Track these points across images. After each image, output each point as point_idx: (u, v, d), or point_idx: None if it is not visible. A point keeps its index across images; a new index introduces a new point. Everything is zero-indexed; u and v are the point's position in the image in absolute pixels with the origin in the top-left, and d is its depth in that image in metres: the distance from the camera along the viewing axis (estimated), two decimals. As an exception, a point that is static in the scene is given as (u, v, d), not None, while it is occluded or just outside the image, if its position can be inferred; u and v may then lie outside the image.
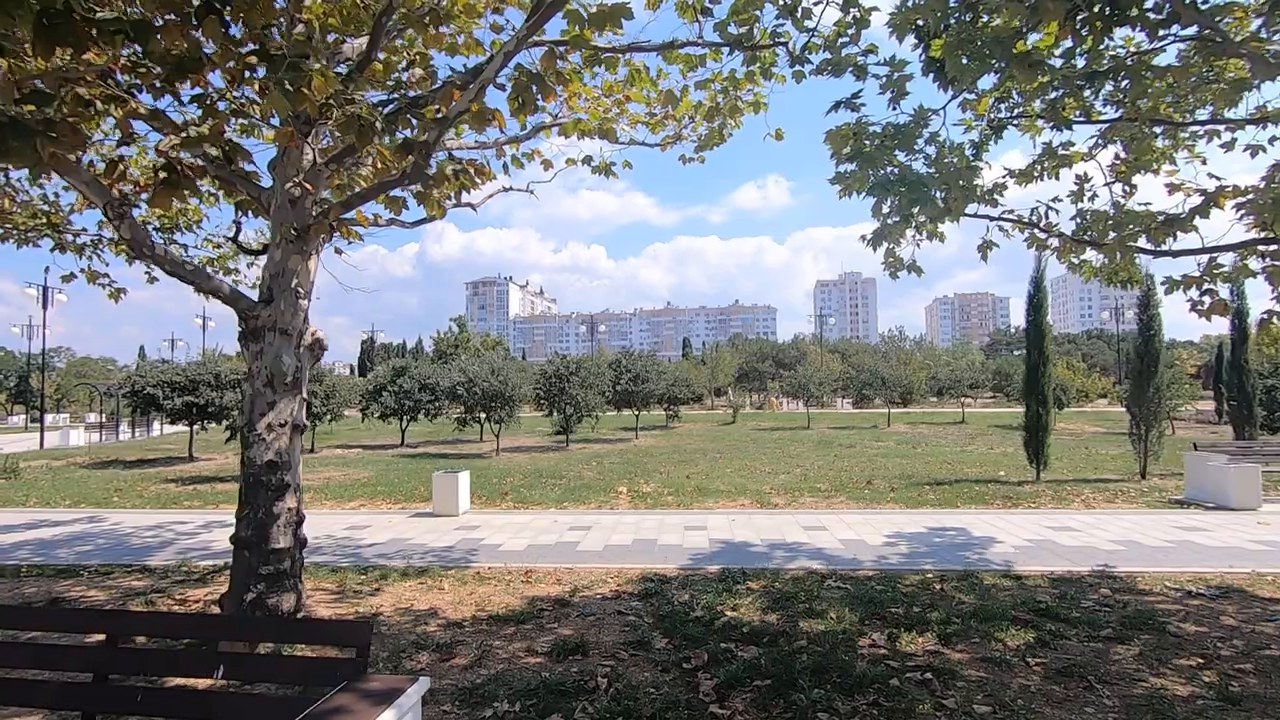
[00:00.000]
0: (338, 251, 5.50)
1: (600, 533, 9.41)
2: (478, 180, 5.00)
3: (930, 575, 7.00)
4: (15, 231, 9.17)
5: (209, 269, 10.71)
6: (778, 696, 4.08)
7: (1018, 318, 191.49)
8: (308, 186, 5.11)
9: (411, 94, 5.73)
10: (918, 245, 7.30)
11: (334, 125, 4.30)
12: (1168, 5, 4.44)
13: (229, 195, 5.60)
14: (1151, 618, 5.48)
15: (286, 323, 5.07)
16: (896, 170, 5.87)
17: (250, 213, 5.81)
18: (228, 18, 3.34)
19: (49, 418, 43.49)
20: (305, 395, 5.24)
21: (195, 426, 20.10)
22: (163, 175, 3.92)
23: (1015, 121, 6.99)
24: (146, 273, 10.29)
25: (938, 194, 5.60)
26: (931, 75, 6.28)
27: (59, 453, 24.17)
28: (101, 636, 2.66)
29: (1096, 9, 4.56)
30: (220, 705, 2.39)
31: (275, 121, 5.53)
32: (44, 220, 9.19)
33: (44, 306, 26.08)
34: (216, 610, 6.01)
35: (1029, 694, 4.13)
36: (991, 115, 6.96)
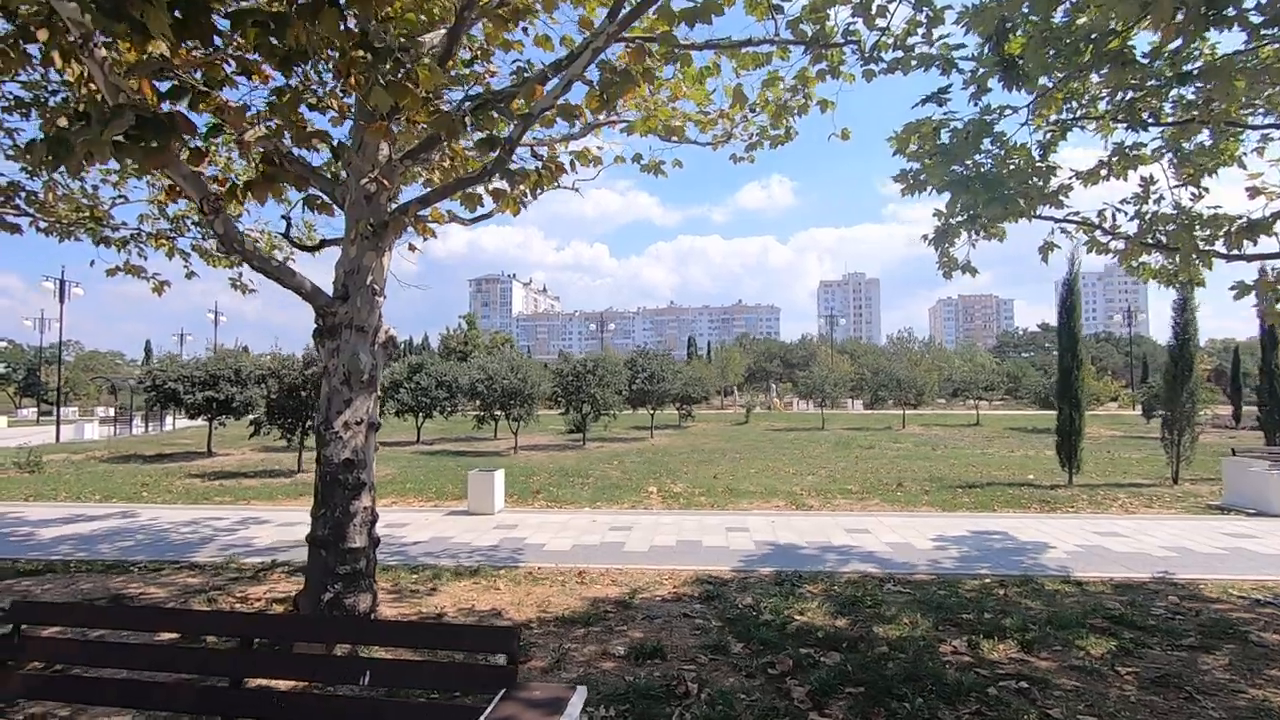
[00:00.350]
0: (411, 248, 5.45)
1: (642, 533, 9.35)
2: (557, 176, 4.94)
3: (990, 580, 6.93)
4: (59, 225, 9.13)
5: (248, 264, 10.73)
6: (877, 704, 4.02)
7: (1021, 320, 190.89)
8: (384, 182, 5.05)
9: (474, 90, 5.67)
10: (973, 245, 7.25)
11: (425, 119, 4.23)
12: (1274, 6, 4.36)
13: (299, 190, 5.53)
14: (1230, 627, 5.41)
15: (363, 320, 5.01)
16: (967, 167, 5.81)
17: (314, 209, 5.73)
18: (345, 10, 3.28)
19: (60, 411, 43.56)
20: (379, 393, 5.18)
21: (214, 421, 20.08)
22: (264, 168, 3.86)
23: (1080, 123, 6.92)
24: (185, 267, 10.28)
25: (1014, 192, 5.54)
26: (998, 75, 6.18)
27: (75, 446, 24.16)
28: (235, 640, 2.60)
29: (1196, 8, 4.49)
30: (369, 712, 2.33)
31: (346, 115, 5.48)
32: (87, 214, 9.16)
33: (61, 300, 26.04)
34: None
35: (1130, 704, 4.06)
36: (1053, 116, 6.88)
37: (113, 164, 11.43)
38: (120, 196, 9.47)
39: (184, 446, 23.07)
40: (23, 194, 8.91)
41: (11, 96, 8.56)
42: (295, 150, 5.37)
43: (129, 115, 2.75)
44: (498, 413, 22.01)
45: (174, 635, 4.81)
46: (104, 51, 3.55)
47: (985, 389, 33.61)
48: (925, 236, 7.14)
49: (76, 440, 26.36)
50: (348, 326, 4.96)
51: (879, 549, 8.43)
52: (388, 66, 3.74)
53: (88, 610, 2.78)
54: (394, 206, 5.21)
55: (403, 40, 3.77)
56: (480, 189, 5.20)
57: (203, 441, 23.65)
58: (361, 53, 3.63)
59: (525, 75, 5.01)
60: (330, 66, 3.67)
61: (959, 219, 6.82)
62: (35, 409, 46.77)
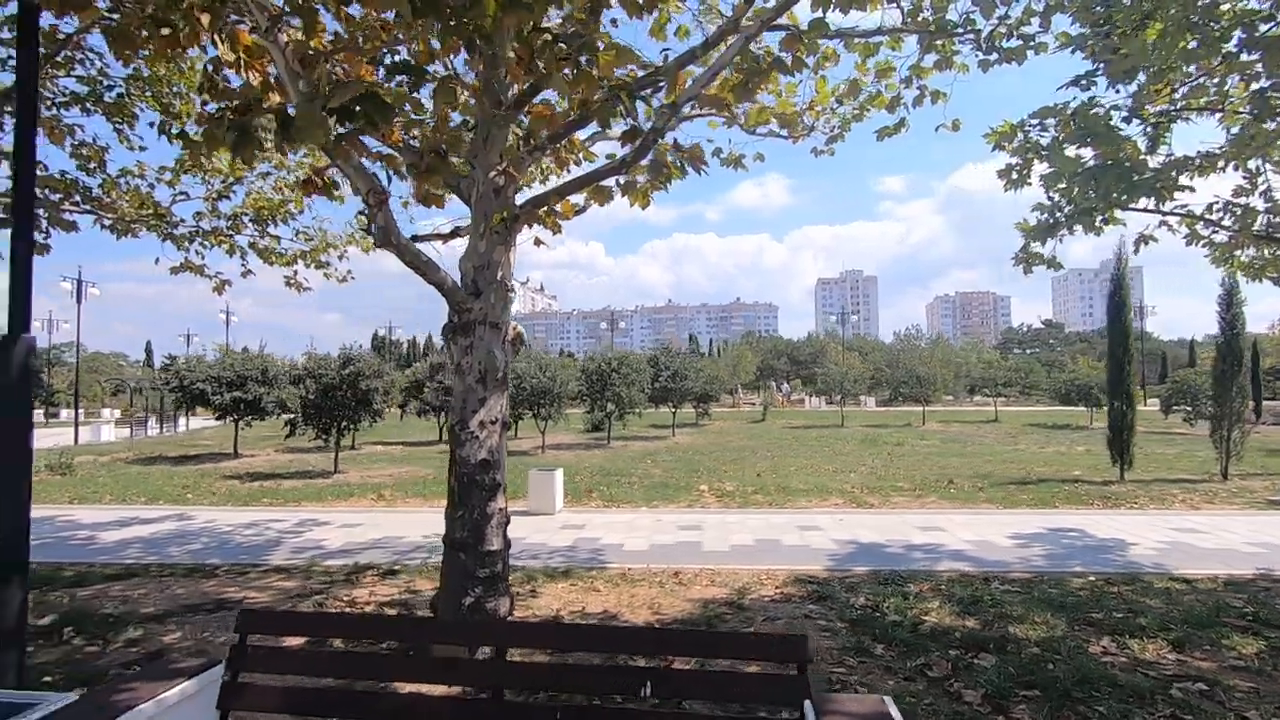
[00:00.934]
0: (538, 243, 5.30)
1: (715, 532, 9.23)
2: (697, 167, 4.82)
3: (1094, 578, 6.83)
4: (121, 222, 8.96)
5: (301, 261, 10.60)
6: (1061, 708, 3.91)
7: (1019, 316, 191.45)
8: (513, 174, 4.91)
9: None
10: (1059, 240, 7.20)
11: (588, 108, 4.09)
12: None
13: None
14: (1370, 624, 5.32)
15: (497, 316, 4.87)
16: (1097, 156, 5.71)
17: (426, 203, 5.57)
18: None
19: (66, 413, 43.21)
20: (510, 390, 5.05)
21: (240, 423, 19.84)
22: (429, 160, 3.72)
23: (1183, 114, 6.82)
24: (242, 264, 10.13)
25: (1152, 178, 5.44)
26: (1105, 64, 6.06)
27: (98, 448, 23.89)
28: (489, 650, 2.47)
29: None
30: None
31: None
32: (150, 211, 8.99)
33: (78, 300, 25.72)
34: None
35: (1319, 706, 3.96)
36: (1159, 107, 6.78)
37: (168, 160, 11.20)
38: (181, 193, 9.32)
39: (206, 448, 22.83)
40: (78, 191, 8.76)
41: (68, 92, 8.40)
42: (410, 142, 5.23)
43: (357, 85, 2.61)
44: (524, 412, 21.83)
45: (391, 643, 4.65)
46: (285, 36, 3.41)
47: (1003, 385, 33.63)
48: (1029, 231, 7.09)
49: (94, 442, 26.07)
50: (481, 323, 4.81)
51: (963, 547, 8.33)
52: (562, 49, 3.62)
53: (304, 619, 2.64)
54: (522, 199, 5.07)
55: (577, 25, 3.63)
56: (611, 181, 5.07)
57: (223, 442, 23.45)
58: (547, 35, 3.49)
59: (661, 65, 4.86)
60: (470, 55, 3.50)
61: (1064, 212, 6.75)
62: (42, 411, 46.34)
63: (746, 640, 2.61)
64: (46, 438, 28.21)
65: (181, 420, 31.59)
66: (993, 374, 33.84)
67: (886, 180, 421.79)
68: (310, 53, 3.40)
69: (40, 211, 8.43)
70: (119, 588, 6.59)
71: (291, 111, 3.20)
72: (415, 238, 6.70)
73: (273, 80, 3.97)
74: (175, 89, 8.74)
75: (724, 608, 5.98)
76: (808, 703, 2.21)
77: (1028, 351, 70.89)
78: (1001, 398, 34.48)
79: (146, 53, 6.32)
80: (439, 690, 2.76)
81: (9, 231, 8.24)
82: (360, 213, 8.58)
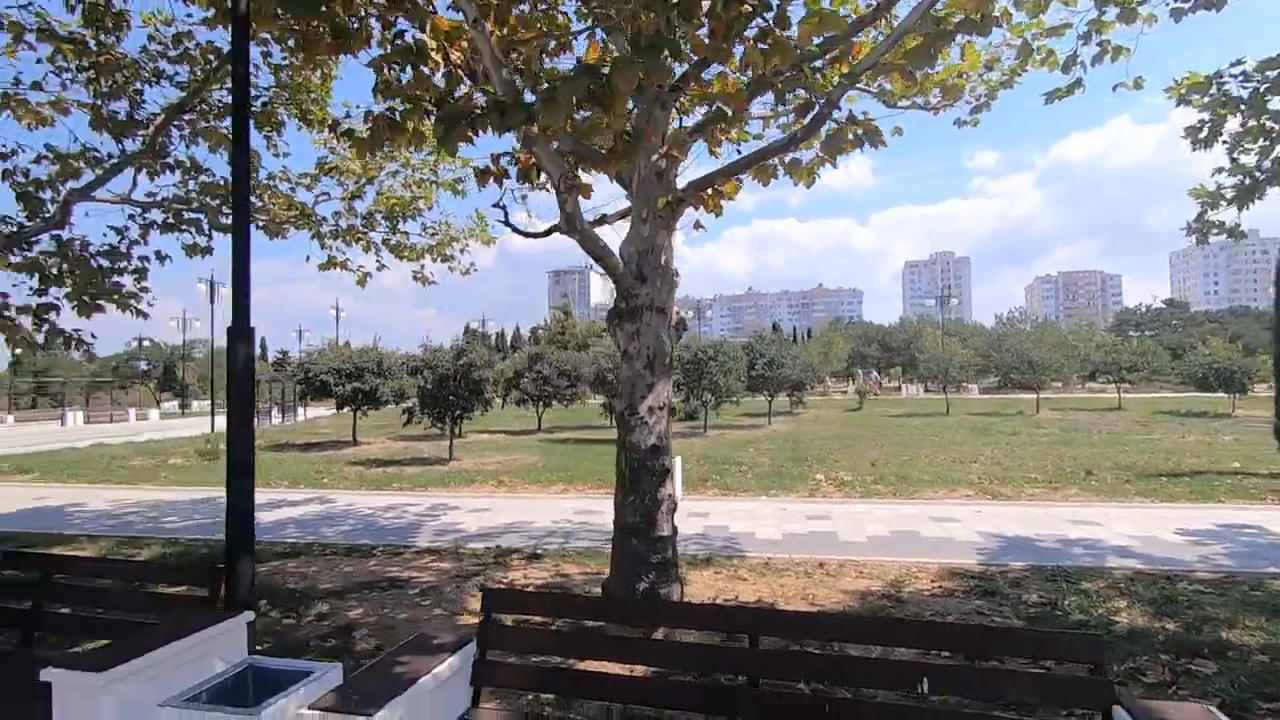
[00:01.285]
0: (698, 226, 5.25)
1: (846, 523, 8.97)
2: (874, 141, 4.60)
3: (1298, 580, 6.16)
4: (272, 224, 9.56)
5: (429, 256, 10.99)
6: (1322, 724, 3.51)
7: (1132, 297, 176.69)
8: (676, 155, 4.84)
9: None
10: (1247, 207, 6.57)
11: (779, 82, 3.96)
12: None
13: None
14: None
15: (663, 301, 4.84)
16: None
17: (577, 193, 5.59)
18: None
19: (197, 404, 47.22)
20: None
21: (359, 412, 21.00)
22: (621, 143, 3.69)
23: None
24: (377, 260, 10.60)
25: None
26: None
27: (229, 436, 25.89)
28: (745, 638, 2.41)
29: None
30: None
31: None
32: (298, 212, 9.54)
33: (211, 301, 28.12)
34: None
35: None
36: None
37: (304, 165, 11.83)
38: (322, 194, 9.82)
39: (326, 436, 24.28)
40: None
41: (222, 103, 8.96)
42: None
43: (590, 74, 2.59)
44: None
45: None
46: (491, 26, 3.46)
47: (1128, 370, 31.08)
48: (1207, 197, 6.52)
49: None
50: (648, 308, 4.79)
51: (1126, 543, 7.72)
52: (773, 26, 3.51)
53: (546, 599, 2.69)
54: (685, 182, 5.01)
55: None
56: (775, 160, 4.92)
57: (340, 431, 24.86)
58: (747, 6, 3.38)
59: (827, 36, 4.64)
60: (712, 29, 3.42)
61: (1265, 172, 6.11)
62: (178, 402, 50.85)
63: (1028, 637, 2.43)
64: (186, 428, 30.88)
65: (300, 410, 33.83)
66: (1116, 358, 31.35)
67: (979, 155, 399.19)
68: (511, 41, 3.43)
69: (202, 216, 9.11)
70: (293, 565, 7.06)
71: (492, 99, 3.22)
72: (554, 228, 6.78)
73: (457, 72, 4.06)
74: (312, 95, 9.16)
75: (883, 600, 5.77)
76: (1118, 708, 2.03)
77: (1146, 334, 65.28)
78: (1125, 384, 31.87)
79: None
80: (678, 674, 2.74)
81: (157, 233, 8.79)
82: (496, 204, 8.77)
